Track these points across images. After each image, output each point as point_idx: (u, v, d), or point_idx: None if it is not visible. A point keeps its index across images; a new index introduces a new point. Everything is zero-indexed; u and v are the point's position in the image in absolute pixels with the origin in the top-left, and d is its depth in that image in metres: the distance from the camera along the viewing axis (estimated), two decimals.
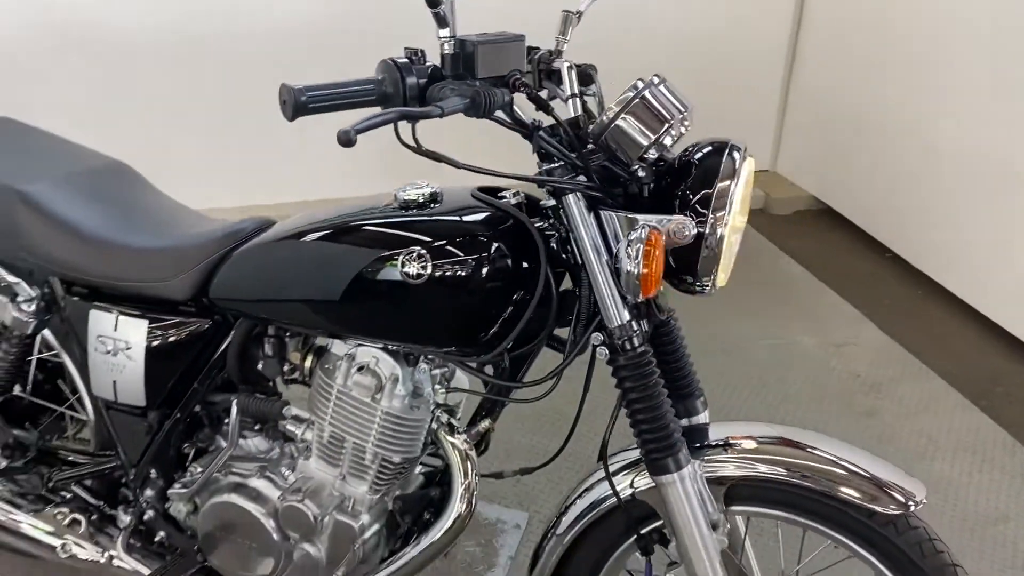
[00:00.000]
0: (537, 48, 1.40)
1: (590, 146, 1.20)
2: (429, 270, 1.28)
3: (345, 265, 1.35)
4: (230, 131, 3.25)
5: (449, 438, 1.46)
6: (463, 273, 1.28)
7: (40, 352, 1.81)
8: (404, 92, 1.04)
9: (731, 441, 1.35)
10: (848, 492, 1.26)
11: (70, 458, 1.77)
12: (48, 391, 1.85)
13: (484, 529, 2.13)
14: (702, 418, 1.42)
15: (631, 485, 1.35)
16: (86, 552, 1.64)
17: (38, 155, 1.71)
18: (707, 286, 1.24)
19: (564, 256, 1.31)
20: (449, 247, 1.29)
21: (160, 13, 3.15)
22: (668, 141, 1.19)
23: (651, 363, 1.26)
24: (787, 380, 2.77)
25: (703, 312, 3.07)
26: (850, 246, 3.73)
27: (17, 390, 1.80)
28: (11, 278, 1.60)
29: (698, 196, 1.19)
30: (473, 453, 1.47)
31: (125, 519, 1.66)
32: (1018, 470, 2.39)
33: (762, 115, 4.18)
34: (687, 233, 1.17)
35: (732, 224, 1.19)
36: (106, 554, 1.63)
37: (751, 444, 1.34)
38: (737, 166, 1.20)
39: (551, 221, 1.32)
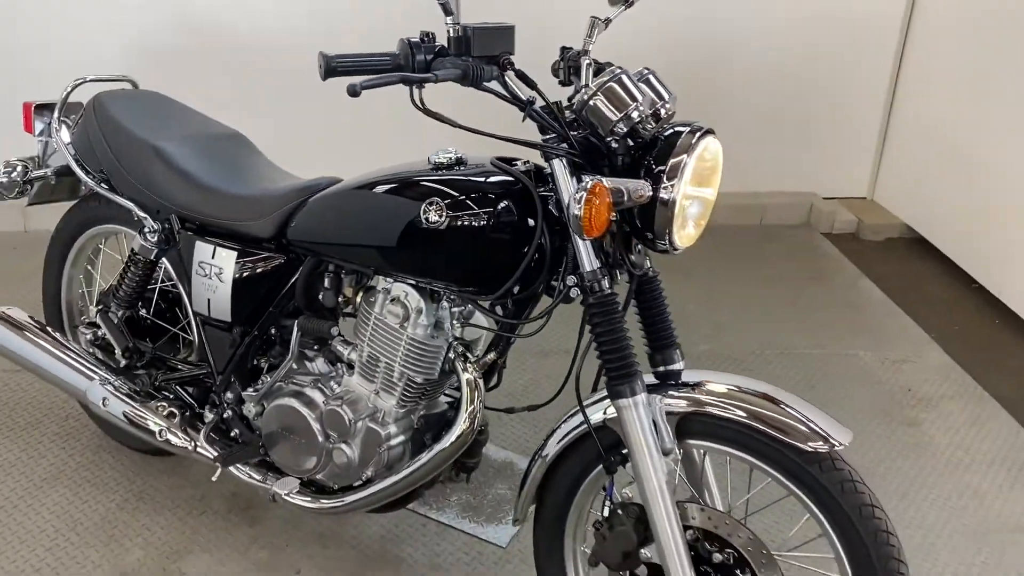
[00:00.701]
0: (570, 48, 1.67)
1: (571, 119, 1.47)
2: (446, 218, 1.58)
3: (382, 212, 1.67)
4: (326, 116, 3.79)
5: (462, 366, 1.75)
6: (474, 223, 1.57)
7: (162, 282, 2.25)
8: (412, 64, 1.35)
9: (694, 383, 1.57)
10: (782, 432, 1.45)
11: (174, 365, 2.18)
12: (167, 317, 2.28)
13: (516, 477, 2.39)
14: (677, 366, 1.64)
15: (603, 414, 1.59)
16: (177, 439, 2.03)
17: (173, 120, 2.14)
18: (666, 244, 1.47)
19: (559, 215, 1.57)
20: (464, 200, 1.58)
21: (283, 19, 3.68)
22: (635, 116, 1.43)
23: (616, 305, 1.51)
24: (835, 386, 2.88)
25: (767, 322, 3.24)
26: (935, 275, 3.76)
27: (143, 313, 2.25)
28: (141, 213, 2.03)
29: (659, 166, 1.43)
30: (481, 382, 1.74)
31: (209, 416, 2.05)
32: None
33: (862, 144, 4.25)
34: (644, 194, 1.42)
35: (684, 192, 1.43)
36: (192, 443, 2.01)
37: (711, 387, 1.54)
38: (693, 142, 1.43)
39: (551, 186, 1.59)
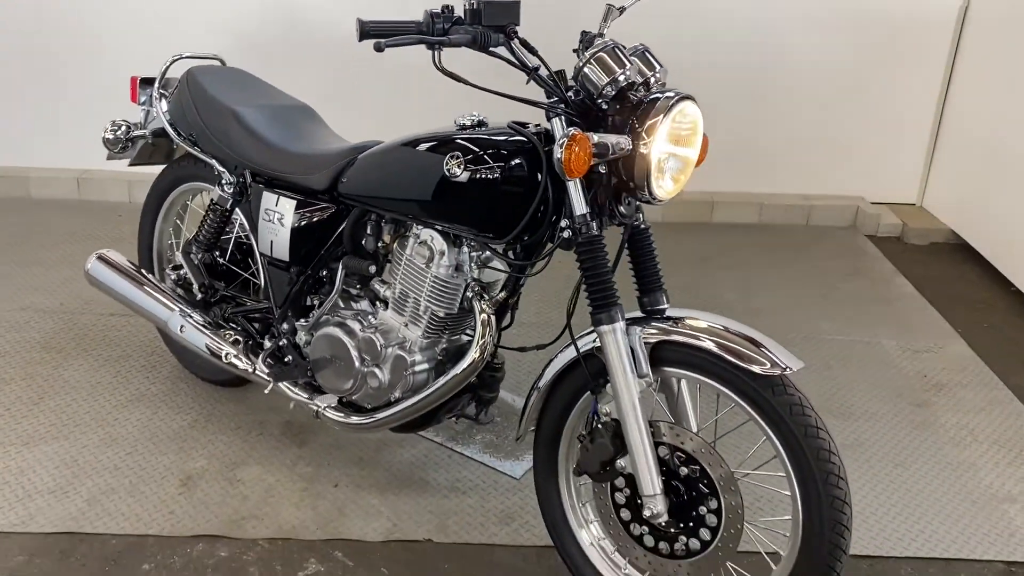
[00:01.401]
0: (589, 32, 1.93)
1: (572, 84, 1.73)
2: (465, 171, 1.86)
3: (412, 166, 1.96)
4: (386, 94, 4.04)
5: (478, 304, 2.02)
6: (489, 176, 1.84)
7: (237, 234, 2.59)
8: (432, 30, 1.63)
9: (673, 318, 1.79)
10: (741, 358, 1.66)
11: (242, 301, 2.52)
12: (240, 264, 2.62)
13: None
14: (662, 306, 1.87)
15: (593, 343, 1.83)
16: (240, 362, 2.36)
17: (252, 92, 2.49)
18: (646, 194, 1.71)
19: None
20: (481, 156, 1.85)
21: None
22: (622, 79, 1.68)
23: (603, 247, 1.75)
24: (851, 368, 3.03)
25: (798, 310, 3.41)
26: (974, 278, 3.84)
27: (220, 260, 2.59)
28: (220, 168, 2.38)
29: (640, 125, 1.68)
30: (493, 319, 2.00)
31: (268, 344, 2.37)
32: None
33: (913, 151, 4.35)
34: (624, 147, 1.67)
35: (659, 147, 1.66)
36: (252, 365, 2.34)
37: (687, 322, 1.76)
38: (669, 105, 1.67)
39: None
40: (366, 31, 1.60)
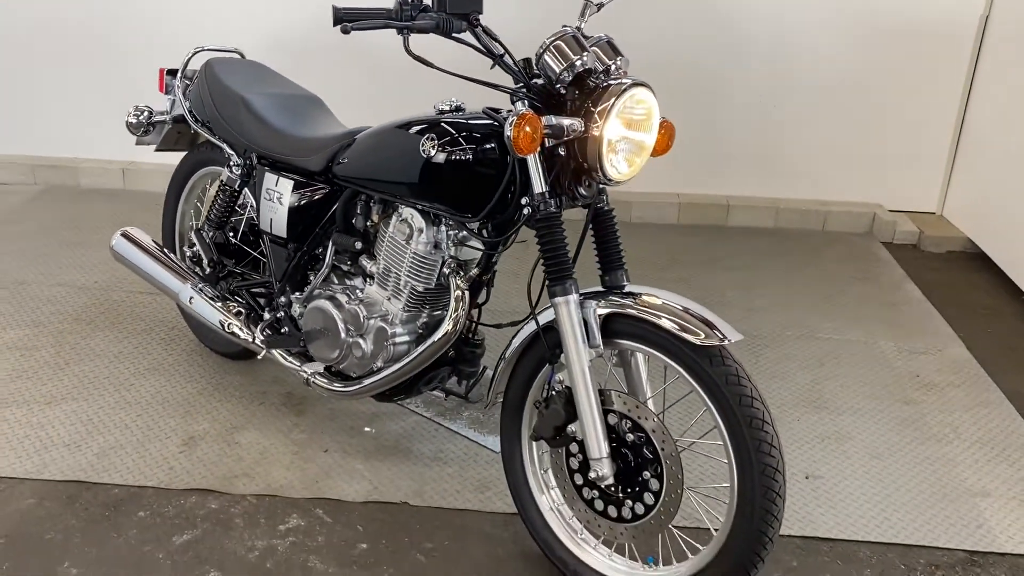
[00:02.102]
0: (568, 26, 2.04)
1: (535, 71, 1.85)
2: (439, 152, 1.99)
3: (392, 148, 2.10)
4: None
5: (453, 279, 2.14)
6: (462, 157, 1.97)
7: (248, 215, 2.76)
8: (400, 16, 1.77)
9: (627, 293, 1.89)
10: (684, 330, 1.75)
11: (247, 276, 2.69)
12: (251, 243, 2.80)
13: None
14: (622, 283, 1.97)
15: (552, 316, 1.94)
16: (241, 332, 2.52)
17: (264, 82, 2.66)
18: (599, 174, 1.82)
19: None
20: (455, 137, 1.98)
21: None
22: (578, 66, 1.79)
23: (560, 223, 1.87)
24: (843, 365, 3.07)
25: (799, 309, 3.46)
26: (985, 286, 3.83)
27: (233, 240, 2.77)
28: (230, 151, 2.56)
29: (592, 108, 1.79)
30: (467, 294, 2.13)
31: (267, 316, 2.54)
32: None
33: (933, 159, 4.35)
34: (576, 128, 1.78)
35: (611, 130, 1.77)
36: (251, 335, 2.51)
37: (641, 298, 1.86)
38: (621, 91, 1.77)
39: None
40: (339, 16, 1.74)
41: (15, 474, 2.35)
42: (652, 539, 1.93)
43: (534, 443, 2.08)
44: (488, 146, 1.95)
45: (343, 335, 2.29)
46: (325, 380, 2.35)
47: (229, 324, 2.54)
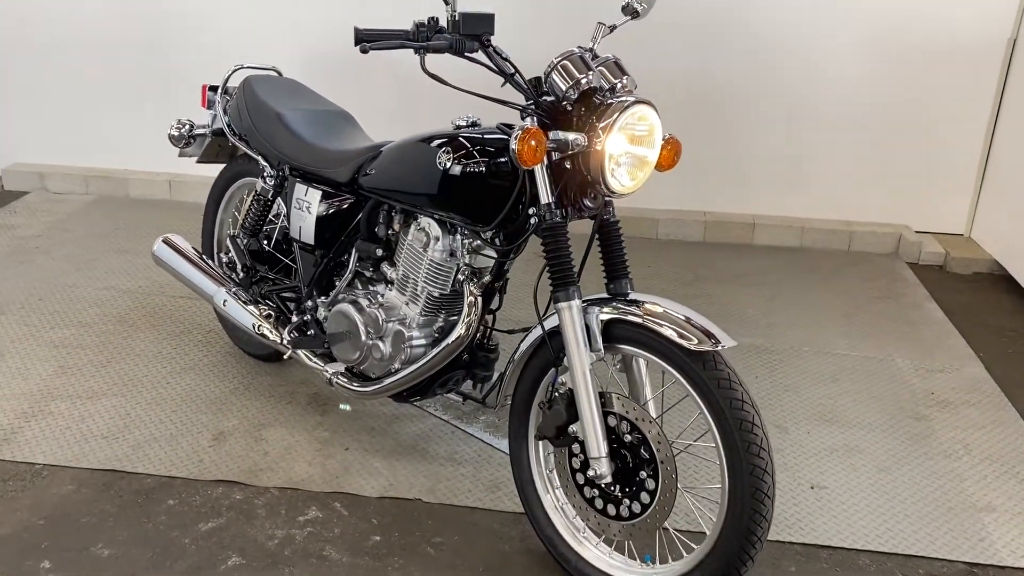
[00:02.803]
0: (582, 46, 2.15)
1: (545, 88, 1.96)
2: (453, 164, 2.11)
3: (412, 160, 2.23)
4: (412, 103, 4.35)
5: (467, 286, 2.25)
6: (476, 169, 2.09)
7: (282, 223, 2.91)
8: (416, 37, 1.90)
9: (630, 301, 1.98)
10: (680, 336, 1.84)
11: (277, 281, 2.83)
12: (284, 251, 2.94)
13: None
14: (626, 291, 2.06)
15: (557, 322, 2.04)
16: (270, 334, 2.66)
17: (298, 98, 2.81)
18: (601, 187, 1.92)
19: None
20: (470, 151, 2.10)
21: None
22: (584, 84, 1.89)
23: (565, 233, 1.97)
24: (858, 382, 3.11)
25: (817, 326, 3.51)
26: (1009, 308, 3.83)
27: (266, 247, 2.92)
28: (264, 163, 2.71)
29: (596, 124, 1.89)
30: (480, 300, 2.24)
31: (294, 319, 2.67)
32: None
33: (960, 180, 4.36)
34: (581, 143, 1.88)
35: (613, 145, 1.86)
36: (279, 336, 2.64)
37: (643, 306, 1.95)
38: (623, 108, 1.87)
39: None
40: (359, 37, 1.88)
41: (57, 462, 2.51)
42: (649, 537, 2.01)
43: (539, 443, 2.18)
44: (500, 159, 2.06)
45: (364, 337, 2.41)
46: (346, 380, 2.48)
47: (259, 326, 2.68)
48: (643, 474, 1.93)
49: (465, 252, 2.26)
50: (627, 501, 1.96)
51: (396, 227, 2.41)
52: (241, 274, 2.85)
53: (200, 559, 2.16)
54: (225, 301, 2.77)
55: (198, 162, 3.09)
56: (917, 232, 4.42)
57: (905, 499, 2.48)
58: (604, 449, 1.92)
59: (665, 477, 1.90)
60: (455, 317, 2.37)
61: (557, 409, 1.99)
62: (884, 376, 3.17)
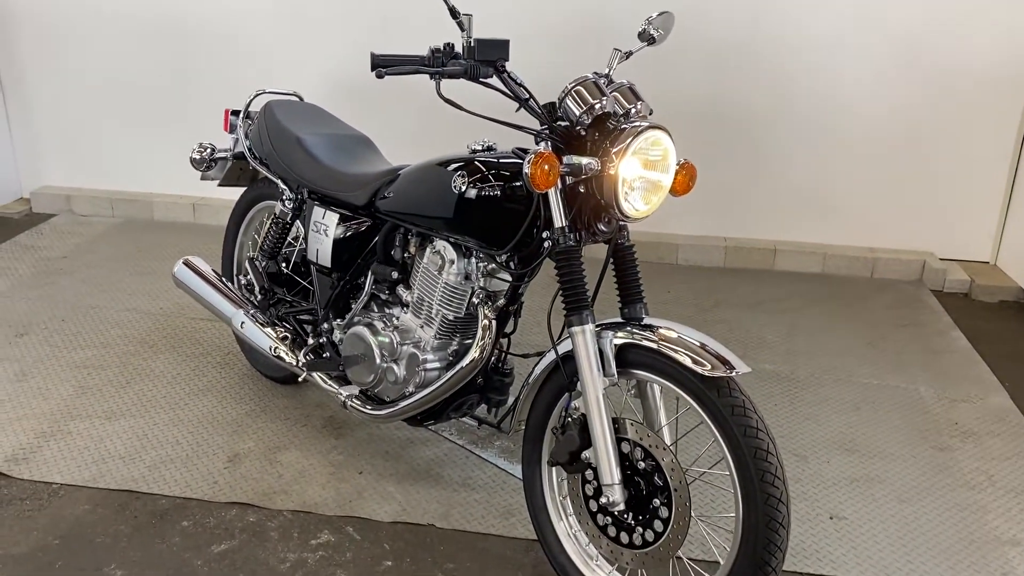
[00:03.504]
0: (599, 72, 2.16)
1: (559, 113, 1.97)
2: (469, 187, 2.11)
3: (428, 184, 2.24)
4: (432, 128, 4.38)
5: (481, 309, 2.25)
6: (491, 193, 2.10)
7: (301, 246, 2.93)
8: (432, 63, 1.91)
9: (645, 325, 1.97)
10: (694, 361, 1.82)
11: (295, 303, 2.84)
12: (302, 273, 2.96)
13: None
14: (640, 316, 2.05)
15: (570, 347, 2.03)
16: (286, 356, 2.67)
17: (319, 123, 2.84)
18: (615, 211, 1.91)
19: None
20: (485, 175, 2.11)
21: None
22: (598, 109, 1.90)
23: (579, 256, 1.96)
24: (879, 411, 3.06)
25: (839, 354, 3.47)
26: None
27: (285, 270, 2.94)
28: (283, 186, 2.73)
29: (610, 148, 1.89)
30: (495, 323, 2.23)
31: (310, 341, 2.68)
32: None
33: (986, 208, 4.31)
34: (594, 167, 1.88)
35: (626, 169, 1.86)
36: (295, 359, 2.65)
37: (657, 331, 1.93)
38: (636, 134, 1.87)
39: None
40: (375, 62, 1.89)
41: (74, 481, 2.52)
42: (662, 566, 1.98)
43: (552, 469, 2.16)
44: (515, 183, 2.06)
45: (378, 360, 2.41)
46: (360, 403, 2.48)
47: (275, 348, 2.69)
48: (656, 502, 1.90)
49: (480, 275, 2.26)
50: (640, 529, 1.93)
51: (412, 250, 2.42)
52: (259, 296, 2.87)
53: None
54: (243, 323, 2.79)
55: (220, 185, 3.12)
56: (942, 259, 4.36)
57: (926, 531, 2.42)
58: (617, 476, 1.90)
59: (679, 505, 1.87)
60: (469, 341, 2.37)
61: (570, 435, 1.98)
62: (907, 405, 3.12)
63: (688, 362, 1.83)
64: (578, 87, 1.92)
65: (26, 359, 3.24)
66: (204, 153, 2.93)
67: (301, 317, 2.81)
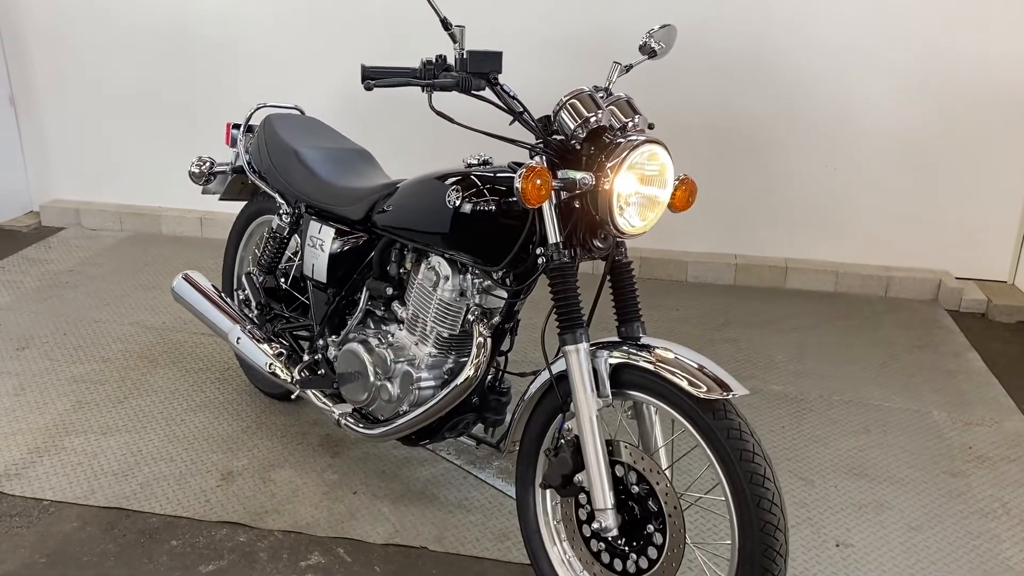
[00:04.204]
0: (599, 86, 2.12)
1: (555, 129, 1.92)
2: (464, 202, 2.07)
3: (423, 199, 2.19)
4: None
5: (476, 326, 2.20)
6: (485, 208, 2.05)
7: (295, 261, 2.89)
8: (423, 75, 1.87)
9: (641, 345, 1.91)
10: (689, 383, 1.76)
11: (291, 318, 2.80)
12: (300, 289, 2.92)
13: None
14: (637, 335, 1.99)
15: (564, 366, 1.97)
16: (281, 372, 2.63)
17: (318, 137, 2.81)
18: (610, 227, 1.86)
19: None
20: (479, 189, 2.07)
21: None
22: (593, 122, 1.85)
23: (572, 273, 1.91)
24: (890, 434, 2.98)
25: (849, 376, 3.39)
26: None
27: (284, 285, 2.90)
28: (280, 200, 2.70)
29: (605, 163, 1.84)
30: (489, 341, 2.18)
31: (306, 358, 2.64)
32: None
33: (1004, 226, 4.22)
34: (588, 182, 1.83)
35: (620, 184, 1.81)
36: (291, 375, 2.61)
37: (653, 350, 1.87)
38: (631, 148, 1.82)
39: None
40: (366, 75, 1.86)
41: (64, 498, 2.49)
42: None
43: (546, 492, 2.10)
44: (510, 198, 2.01)
45: (372, 378, 2.37)
46: (354, 421, 2.43)
47: (271, 364, 2.65)
48: (651, 527, 1.84)
49: (475, 292, 2.22)
50: (634, 556, 1.87)
51: (408, 266, 2.38)
52: (255, 311, 2.83)
53: None
54: (239, 339, 2.75)
55: (220, 199, 3.10)
56: (958, 278, 4.27)
57: (937, 560, 2.34)
58: (610, 501, 1.84)
59: (673, 531, 1.81)
60: (465, 359, 2.31)
61: (563, 457, 1.92)
62: (919, 429, 3.03)
63: (683, 384, 1.77)
64: (573, 100, 1.87)
65: (25, 373, 3.22)
66: (203, 167, 2.91)
67: (298, 333, 2.77)
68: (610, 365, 1.88)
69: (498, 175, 2.08)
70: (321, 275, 2.53)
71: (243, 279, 2.89)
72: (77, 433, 2.83)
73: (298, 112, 3.00)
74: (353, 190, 2.50)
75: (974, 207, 4.22)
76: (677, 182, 1.98)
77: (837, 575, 2.27)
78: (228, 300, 2.94)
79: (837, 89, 4.18)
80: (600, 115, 1.87)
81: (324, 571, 2.23)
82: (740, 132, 4.32)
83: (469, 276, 2.21)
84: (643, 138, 1.85)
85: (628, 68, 2.19)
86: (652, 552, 1.84)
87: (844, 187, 4.31)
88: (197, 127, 4.77)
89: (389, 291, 2.38)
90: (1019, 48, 3.99)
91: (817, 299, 4.26)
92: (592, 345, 1.92)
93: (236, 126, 2.99)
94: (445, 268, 2.21)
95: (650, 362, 1.83)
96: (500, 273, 2.12)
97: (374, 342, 2.39)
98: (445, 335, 2.24)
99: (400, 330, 2.39)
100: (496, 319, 2.20)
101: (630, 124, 1.92)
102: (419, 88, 1.90)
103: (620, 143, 1.84)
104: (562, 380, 1.95)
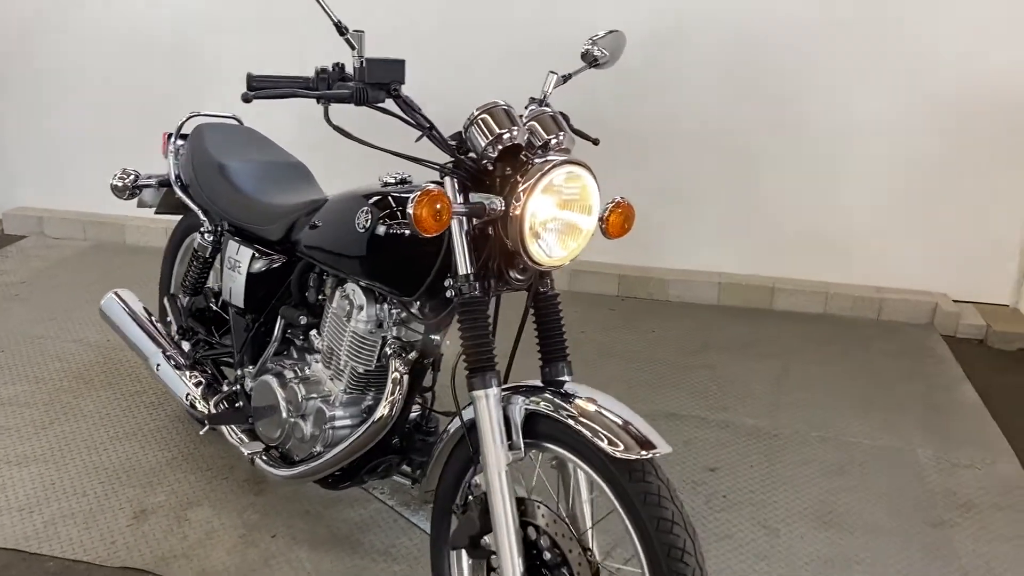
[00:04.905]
0: (535, 98, 1.91)
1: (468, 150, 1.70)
2: (375, 224, 1.87)
3: (334, 221, 2.00)
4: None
5: (392, 361, 1.99)
6: (397, 231, 1.84)
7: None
8: (316, 86, 1.67)
9: (563, 393, 1.69)
10: (606, 439, 1.54)
11: (212, 344, 2.61)
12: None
13: None
14: (562, 378, 1.77)
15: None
16: (198, 404, 2.43)
17: (249, 148, 2.62)
18: (523, 256, 1.64)
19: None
20: (392, 210, 1.86)
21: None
22: (506, 139, 1.63)
23: (483, 307, 1.70)
24: (869, 475, 2.74)
25: (830, 409, 3.15)
26: None
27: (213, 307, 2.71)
28: (202, 217, 2.51)
29: (518, 186, 1.62)
30: (406, 377, 1.97)
31: (224, 388, 2.44)
32: None
33: (1005, 248, 3.96)
34: (496, 207, 1.62)
35: (533, 209, 1.59)
36: (207, 407, 2.41)
37: (574, 399, 1.65)
38: (546, 169, 1.60)
39: None
40: (250, 84, 1.65)
41: None
42: None
43: (462, 551, 1.88)
44: None
45: (285, 414, 2.16)
46: (268, 461, 2.23)
47: (188, 394, 2.45)
48: None
49: (392, 324, 2.01)
50: None
51: (328, 291, 2.17)
52: (176, 336, 2.64)
53: None
54: (158, 365, 2.56)
55: (156, 213, 2.91)
56: (955, 301, 4.01)
57: None
58: (519, 568, 1.62)
59: None
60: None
61: (470, 516, 1.71)
62: (900, 470, 2.79)
63: (600, 441, 1.55)
64: (484, 115, 1.66)
65: None
66: (126, 180, 2.72)
67: (227, 360, 2.58)
68: (525, 411, 1.67)
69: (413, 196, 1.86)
70: (239, 299, 2.34)
71: (167, 303, 2.70)
72: None
73: (235, 122, 2.80)
74: (274, 207, 2.30)
75: (974, 224, 3.96)
76: (612, 206, 1.77)
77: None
78: (157, 323, 2.75)
79: (830, 102, 3.95)
80: (515, 132, 1.66)
81: None
82: (728, 145, 4.09)
83: (386, 306, 2.00)
84: (562, 158, 1.64)
85: (566, 78, 1.98)
86: None
87: (836, 203, 4.06)
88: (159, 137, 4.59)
89: (303, 320, 2.18)
90: (1018, 63, 3.74)
91: (804, 321, 4.02)
92: (506, 389, 1.71)
93: (171, 135, 2.80)
94: (360, 297, 2.00)
95: (564, 411, 1.62)
96: (417, 305, 1.91)
97: (289, 375, 2.19)
98: (360, 370, 2.03)
99: (317, 362, 2.18)
100: (413, 354, 1.99)
101: (553, 141, 1.70)
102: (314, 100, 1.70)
103: (535, 163, 1.63)
104: (473, 429, 1.74)
